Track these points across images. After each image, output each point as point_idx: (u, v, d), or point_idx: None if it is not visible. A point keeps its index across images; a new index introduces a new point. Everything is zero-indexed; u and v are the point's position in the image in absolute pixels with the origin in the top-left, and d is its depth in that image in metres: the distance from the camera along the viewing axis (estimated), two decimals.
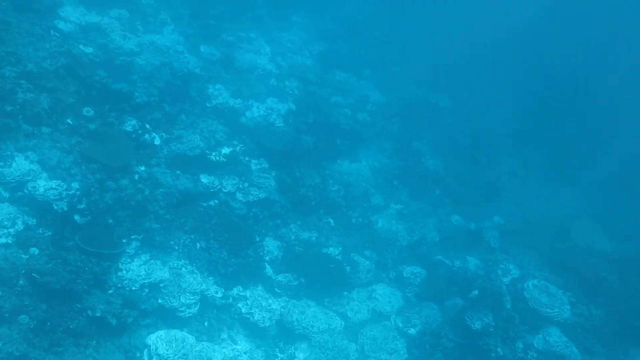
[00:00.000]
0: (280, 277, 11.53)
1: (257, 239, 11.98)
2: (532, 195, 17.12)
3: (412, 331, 11.70)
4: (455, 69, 20.83)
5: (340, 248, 12.71)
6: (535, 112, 20.49)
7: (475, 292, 11.62)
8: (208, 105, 13.66)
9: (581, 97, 21.06)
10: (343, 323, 11.31)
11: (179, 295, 10.09)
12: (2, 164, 9.91)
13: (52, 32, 12.41)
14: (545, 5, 25.05)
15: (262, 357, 10.23)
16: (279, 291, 11.38)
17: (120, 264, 10.06)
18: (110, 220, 10.48)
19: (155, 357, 9.14)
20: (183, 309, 10.06)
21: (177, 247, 10.94)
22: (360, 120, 15.98)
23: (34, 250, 9.47)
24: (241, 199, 12.33)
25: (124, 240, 10.38)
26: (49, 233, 9.81)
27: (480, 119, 18.98)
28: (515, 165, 18.16)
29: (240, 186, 12.49)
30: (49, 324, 8.82)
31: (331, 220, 13.43)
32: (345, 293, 12.02)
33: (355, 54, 19.34)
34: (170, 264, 10.50)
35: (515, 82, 21.35)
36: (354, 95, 16.98)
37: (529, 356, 11.41)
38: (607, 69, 22.71)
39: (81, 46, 12.31)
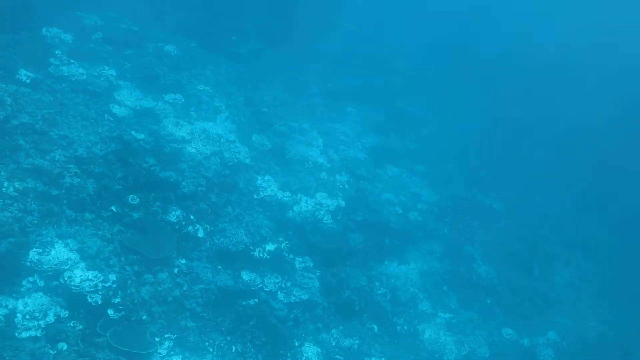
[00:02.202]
0: None
1: (297, 344, 11.30)
2: (589, 310, 16.13)
3: None
4: (512, 166, 20.30)
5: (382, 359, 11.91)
6: (594, 219, 19.63)
7: None
8: (255, 197, 13.28)
9: None
10: None
11: None
12: (40, 250, 9.59)
13: (106, 116, 12.36)
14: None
15: None
16: None
17: None
18: (145, 317, 9.98)
19: None
20: None
21: (211, 349, 10.33)
22: (410, 219, 15.40)
23: (63, 346, 8.98)
24: (282, 299, 11.73)
25: (156, 339, 9.83)
26: (80, 327, 9.33)
27: (535, 224, 18.21)
28: (571, 276, 17.21)
29: (283, 285, 11.93)
30: None
31: (375, 327, 12.69)
32: None
33: (408, 148, 18.96)
34: None
35: (573, 183, 20.61)
36: (405, 192, 16.48)
37: None
38: None
39: (133, 132, 12.19)
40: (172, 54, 16.10)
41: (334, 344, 11.78)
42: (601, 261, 18.26)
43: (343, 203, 14.40)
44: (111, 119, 12.43)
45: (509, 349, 13.63)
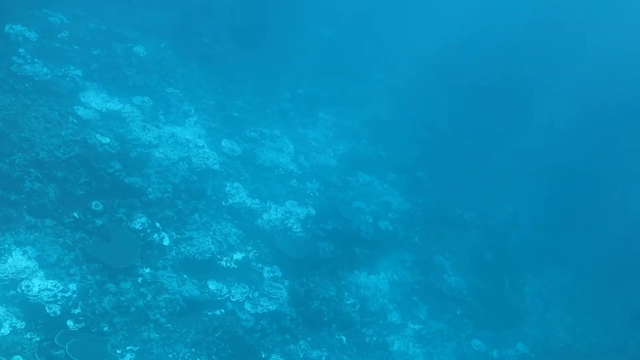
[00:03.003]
0: None
1: (263, 356, 11.04)
2: (557, 322, 16.15)
3: None
4: (482, 175, 20.27)
5: None
6: (563, 227, 19.68)
7: None
8: (224, 204, 12.98)
9: (620, 212, 20.31)
10: None
11: None
12: None
13: (70, 118, 11.97)
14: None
15: None
16: None
17: None
18: (106, 328, 9.64)
19: None
20: None
21: None
22: (381, 229, 15.22)
23: (18, 359, 8.60)
24: (249, 309, 11.46)
25: (118, 351, 9.49)
26: (37, 339, 8.97)
27: (505, 234, 18.16)
28: (540, 286, 17.19)
29: (250, 295, 11.66)
30: None
31: (343, 338, 12.47)
32: None
33: (380, 155, 18.79)
34: None
35: (542, 191, 20.67)
36: (376, 200, 16.29)
37: None
38: None
39: (98, 135, 11.82)
40: (141, 55, 15.71)
41: (301, 356, 11.54)
42: (570, 271, 18.30)
43: (313, 211, 14.16)
44: (75, 121, 12.03)
45: None
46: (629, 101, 26.33)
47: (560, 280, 17.81)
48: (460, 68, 25.34)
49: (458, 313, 14.68)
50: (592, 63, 28.39)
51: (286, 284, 12.34)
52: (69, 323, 9.29)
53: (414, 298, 14.45)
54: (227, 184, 13.41)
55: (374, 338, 12.79)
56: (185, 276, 11.15)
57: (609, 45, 29.22)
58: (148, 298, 10.37)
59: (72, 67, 13.61)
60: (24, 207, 10.13)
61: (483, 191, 19.84)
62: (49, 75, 12.88)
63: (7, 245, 9.53)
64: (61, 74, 13.25)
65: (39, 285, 9.27)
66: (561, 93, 26.11)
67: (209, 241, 11.75)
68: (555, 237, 19.58)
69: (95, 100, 12.95)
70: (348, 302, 13.09)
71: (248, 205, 13.29)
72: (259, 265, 12.34)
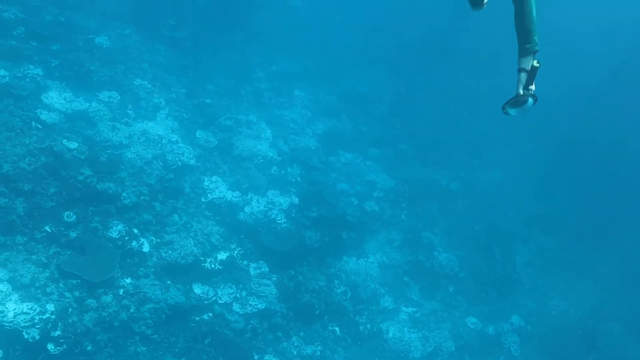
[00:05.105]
0: None
1: (256, 357, 10.72)
2: (550, 289, 15.96)
3: None
4: (465, 142, 19.88)
5: None
6: (552, 192, 19.44)
7: None
8: (204, 200, 12.45)
9: (605, 174, 20.06)
10: None
11: None
12: None
13: (33, 124, 11.29)
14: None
15: None
16: None
17: None
18: (90, 347, 9.22)
19: None
20: None
21: None
22: (367, 210, 14.83)
23: None
24: (238, 310, 11.08)
25: None
26: None
27: (492, 202, 17.87)
28: (530, 254, 16.95)
29: (238, 295, 11.27)
30: None
31: (337, 329, 12.16)
32: None
33: (361, 131, 18.30)
34: None
35: (528, 156, 20.35)
36: (360, 180, 15.84)
37: None
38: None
39: (65, 141, 11.17)
40: (104, 46, 14.89)
41: (295, 353, 11.23)
42: (559, 236, 18.09)
43: (296, 199, 13.66)
44: (39, 126, 11.35)
45: (475, 339, 13.30)
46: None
47: (550, 246, 17.59)
48: (438, 33, 24.69)
49: (451, 290, 14.41)
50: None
51: (274, 279, 11.95)
52: (50, 347, 8.83)
53: (405, 279, 14.14)
54: (206, 179, 12.86)
55: (368, 326, 12.50)
56: (168, 282, 10.69)
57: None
58: (132, 310, 9.92)
59: (31, 66, 12.79)
60: None
61: (467, 159, 19.50)
62: (7, 77, 12.09)
63: None
64: (20, 74, 12.44)
65: (14, 309, 8.77)
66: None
67: (190, 243, 11.26)
68: (542, 202, 19.35)
69: (59, 101, 12.22)
70: (339, 290, 12.74)
71: (229, 199, 12.78)
72: (245, 262, 11.90)
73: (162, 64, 16.19)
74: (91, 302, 9.59)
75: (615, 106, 24.20)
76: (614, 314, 15.35)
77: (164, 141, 12.88)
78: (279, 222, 12.96)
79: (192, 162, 12.92)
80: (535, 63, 4.08)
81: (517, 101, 4.25)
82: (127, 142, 12.24)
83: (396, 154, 18.15)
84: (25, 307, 8.90)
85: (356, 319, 12.55)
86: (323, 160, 15.82)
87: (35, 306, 8.99)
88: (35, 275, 9.41)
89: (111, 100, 13.23)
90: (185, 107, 14.69)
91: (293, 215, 13.39)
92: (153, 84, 14.65)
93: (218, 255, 11.56)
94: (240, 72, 18.21)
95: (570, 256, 17.42)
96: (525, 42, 4.03)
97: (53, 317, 9.03)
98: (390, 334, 12.46)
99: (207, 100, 15.50)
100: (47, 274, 9.54)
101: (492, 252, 15.97)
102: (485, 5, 3.92)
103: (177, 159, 12.65)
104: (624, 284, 16.55)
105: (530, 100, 4.22)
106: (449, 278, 14.59)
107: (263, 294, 11.47)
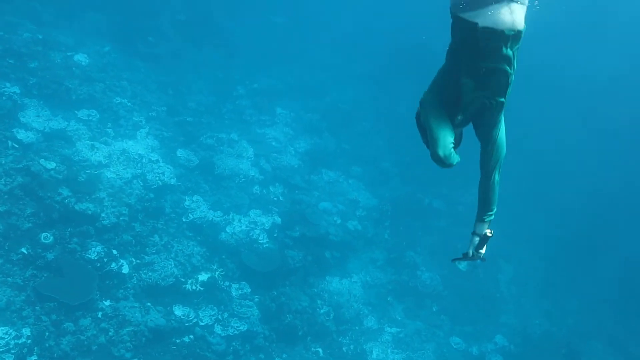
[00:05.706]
0: None
1: None
2: (533, 307, 15.90)
3: None
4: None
5: None
6: (533, 209, 19.41)
7: None
8: (184, 220, 12.27)
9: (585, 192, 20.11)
10: None
11: None
12: None
13: (10, 143, 11.05)
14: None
15: None
16: None
17: None
18: None
19: None
20: None
21: None
22: (350, 229, 14.71)
23: None
24: (220, 332, 10.88)
25: None
26: None
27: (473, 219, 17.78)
28: (513, 272, 16.91)
29: (219, 317, 11.08)
30: None
31: (320, 350, 12.01)
32: None
33: (343, 149, 18.19)
34: None
35: (510, 173, 20.30)
36: (343, 199, 15.72)
37: None
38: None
39: (42, 161, 10.94)
40: (83, 63, 14.65)
41: None
42: (542, 253, 18.08)
43: (279, 219, 13.53)
44: (16, 146, 11.11)
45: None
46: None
47: (533, 264, 17.57)
48: (421, 49, 24.70)
49: (434, 309, 14.35)
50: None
51: (256, 300, 11.78)
52: None
53: (388, 299, 14.05)
54: (187, 198, 12.69)
55: (352, 347, 12.38)
56: (149, 304, 10.48)
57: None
58: (110, 333, 9.71)
59: (8, 84, 12.53)
60: None
61: (450, 177, 19.40)
62: None
63: None
64: None
65: None
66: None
67: (171, 264, 11.08)
68: (526, 220, 19.32)
69: (37, 120, 12.00)
70: (322, 311, 12.59)
71: (210, 219, 12.61)
72: (227, 283, 11.72)
73: (142, 81, 15.99)
74: (69, 325, 9.38)
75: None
76: (597, 333, 15.32)
77: (144, 160, 12.70)
78: (261, 242, 12.81)
79: (173, 181, 12.74)
80: (488, 233, 4.20)
81: (467, 259, 4.35)
82: (107, 161, 12.04)
83: (379, 172, 18.07)
84: (0, 332, 8.66)
85: (339, 339, 12.41)
86: (305, 178, 15.70)
87: (11, 330, 8.80)
88: (11, 299, 9.20)
89: (90, 118, 13.00)
90: (166, 125, 14.50)
91: (275, 234, 13.25)
92: (133, 102, 14.44)
93: (199, 276, 11.37)
94: (222, 89, 18.05)
95: (552, 273, 17.38)
96: (484, 210, 4.15)
97: (29, 341, 8.84)
98: (374, 355, 12.35)
99: (188, 119, 15.33)
100: (23, 297, 9.33)
101: (475, 270, 15.87)
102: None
103: (157, 178, 12.47)
104: (607, 303, 16.56)
105: (479, 260, 4.36)
106: (432, 297, 14.51)
107: (245, 316, 11.30)
